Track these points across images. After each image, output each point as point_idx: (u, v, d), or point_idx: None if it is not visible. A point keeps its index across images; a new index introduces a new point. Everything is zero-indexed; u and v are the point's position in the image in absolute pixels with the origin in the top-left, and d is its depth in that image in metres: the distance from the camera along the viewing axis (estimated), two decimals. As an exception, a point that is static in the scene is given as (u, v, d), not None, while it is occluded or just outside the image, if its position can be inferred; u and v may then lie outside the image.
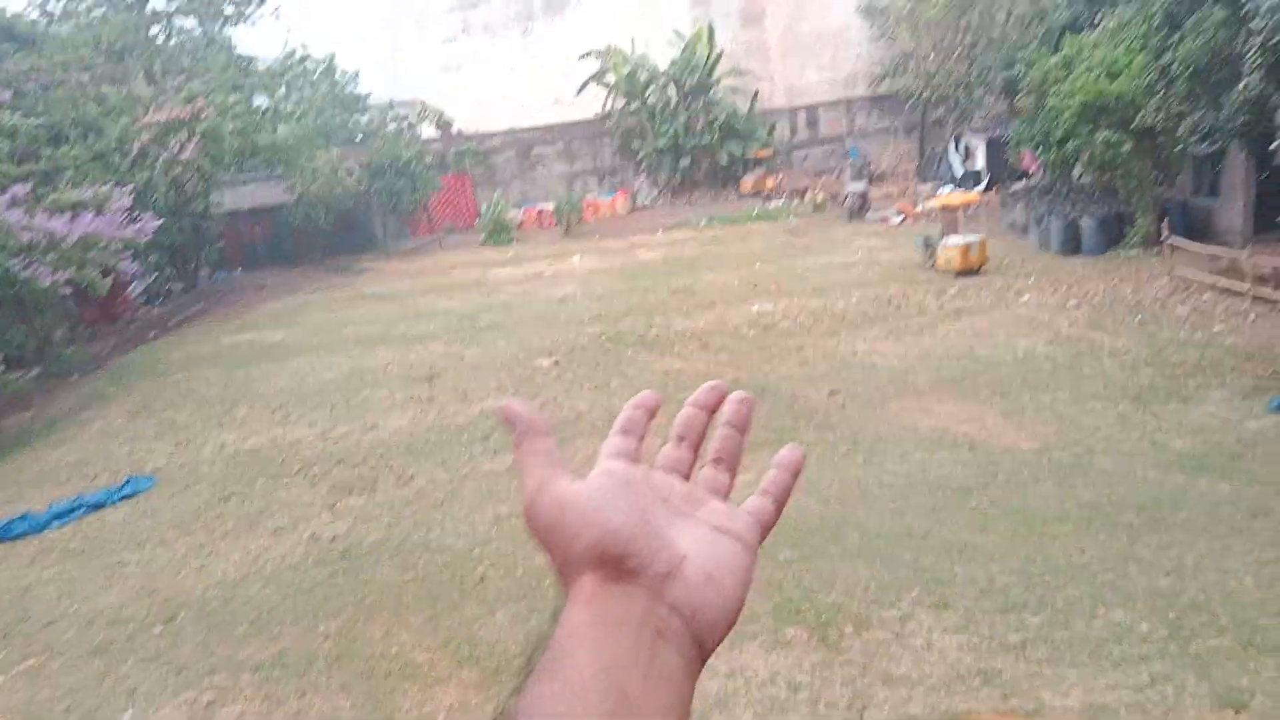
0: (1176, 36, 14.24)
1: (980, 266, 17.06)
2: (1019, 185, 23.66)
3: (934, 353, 12.78)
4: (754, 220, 27.70)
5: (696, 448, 0.73)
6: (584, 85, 34.42)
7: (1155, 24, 15.30)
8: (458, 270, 25.31)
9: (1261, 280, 13.10)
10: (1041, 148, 19.21)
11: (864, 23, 33.87)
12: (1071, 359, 11.81)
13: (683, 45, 33.47)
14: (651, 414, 0.74)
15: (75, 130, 19.12)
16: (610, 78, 34.30)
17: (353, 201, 29.15)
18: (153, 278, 22.98)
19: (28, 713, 6.45)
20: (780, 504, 0.72)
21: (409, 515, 9.08)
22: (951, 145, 29.61)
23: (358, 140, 33.53)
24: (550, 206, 32.23)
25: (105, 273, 16.88)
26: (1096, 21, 19.27)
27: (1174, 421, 9.57)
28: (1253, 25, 11.30)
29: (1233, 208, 16.75)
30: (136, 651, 7.03)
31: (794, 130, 36.03)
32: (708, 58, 33.17)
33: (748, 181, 32.93)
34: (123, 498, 10.28)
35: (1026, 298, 15.08)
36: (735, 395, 0.76)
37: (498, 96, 39.16)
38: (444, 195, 33.59)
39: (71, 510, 9.94)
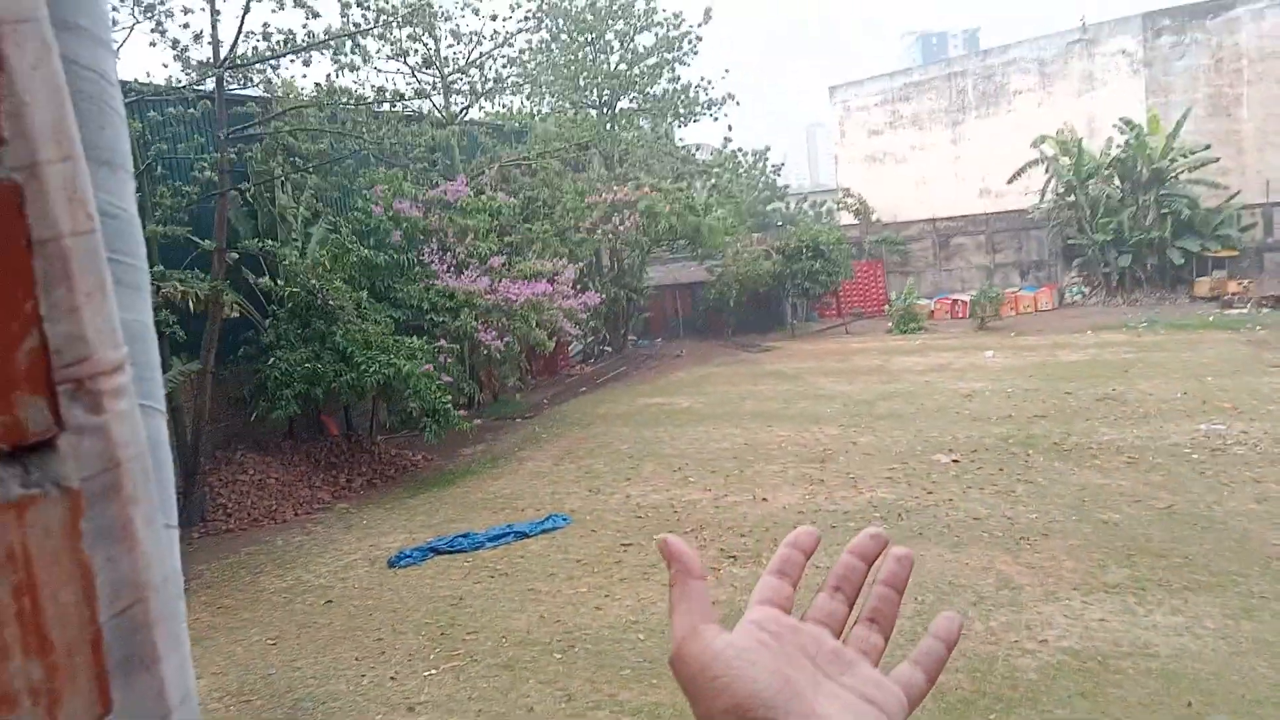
0: None
1: None
2: None
3: None
4: (1208, 328, 24.26)
5: (852, 601, 0.70)
6: (1016, 174, 32.91)
7: None
8: (860, 356, 25.25)
9: None
10: None
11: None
12: None
13: (1133, 133, 30.69)
14: (808, 555, 0.72)
15: (543, 209, 22.34)
16: (1046, 167, 32.45)
17: (767, 283, 30.53)
18: (589, 340, 25.89)
19: (447, 705, 7.43)
20: (932, 678, 0.66)
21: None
22: None
23: (778, 225, 35.17)
24: (965, 298, 31.03)
25: (550, 335, 19.36)
26: None
27: None
28: None
29: None
30: (537, 673, 7.80)
31: (1268, 230, 31.16)
32: (1164, 146, 30.05)
33: (1204, 284, 29.00)
34: (543, 531, 11.57)
35: None
36: (896, 552, 0.71)
37: (921, 186, 38.96)
38: (855, 281, 33.88)
39: (502, 535, 11.39)
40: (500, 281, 17.96)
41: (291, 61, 15.56)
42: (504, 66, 23.91)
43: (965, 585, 9.14)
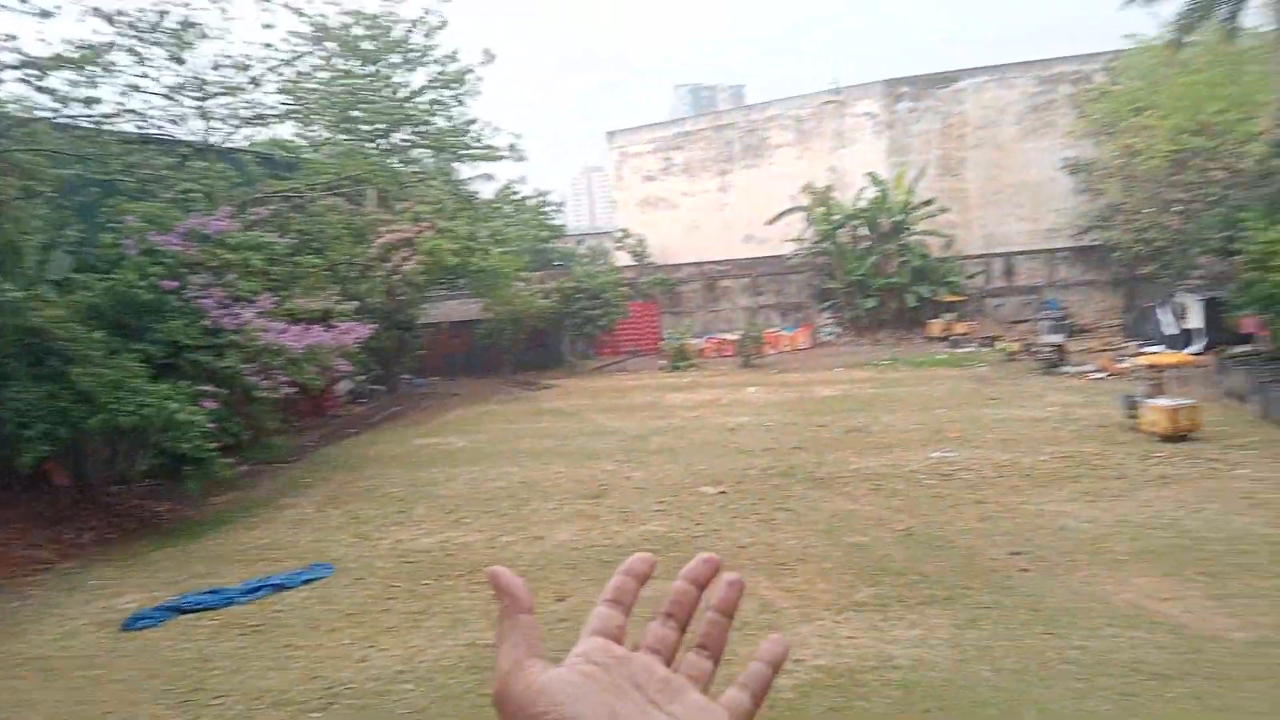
0: None
1: (1191, 432, 15.70)
2: (1240, 349, 21.85)
3: (1132, 520, 11.74)
4: (940, 365, 26.91)
5: (684, 627, 0.72)
6: (775, 218, 35.24)
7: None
8: (636, 393, 25.88)
9: None
10: (1266, 314, 17.77)
11: (1067, 175, 33.09)
12: (1297, 544, 10.53)
13: (878, 189, 33.80)
14: (643, 581, 0.73)
15: (313, 245, 21.33)
16: (803, 216, 35.00)
17: (545, 321, 30.72)
18: (359, 379, 24.87)
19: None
20: (758, 700, 0.70)
21: (559, 632, 9.08)
22: (1163, 302, 27.89)
23: (554, 264, 35.58)
24: (732, 337, 32.68)
25: (321, 373, 18.41)
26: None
27: None
28: None
29: None
30: (292, 733, 7.29)
31: (988, 277, 35.18)
32: (904, 202, 33.30)
33: (936, 325, 32.21)
34: (304, 581, 10.89)
35: (1243, 470, 13.68)
36: (727, 578, 0.76)
37: (692, 230, 40.76)
38: (631, 320, 34.80)
39: (257, 588, 10.61)
40: (270, 321, 16.90)
41: (27, 77, 14.02)
42: (274, 93, 22.74)
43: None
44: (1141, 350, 23.74)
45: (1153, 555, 10.54)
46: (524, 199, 37.80)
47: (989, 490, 13.57)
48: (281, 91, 23.07)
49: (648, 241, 38.96)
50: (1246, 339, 22.66)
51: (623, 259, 39.61)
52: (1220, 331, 23.70)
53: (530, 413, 23.51)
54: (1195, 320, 25.19)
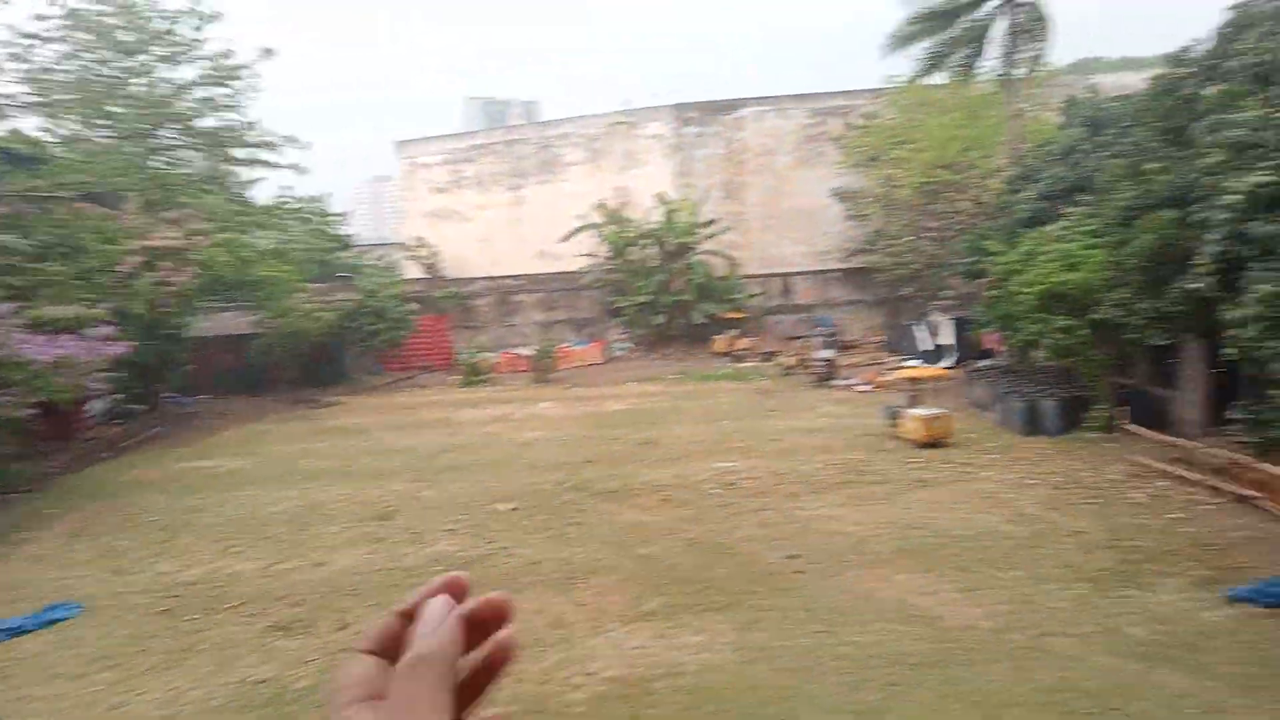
0: (1130, 233, 14.99)
1: (943, 439, 17.24)
2: (983, 364, 24.28)
3: (895, 522, 12.71)
4: (724, 379, 28.08)
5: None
6: (569, 235, 35.55)
7: (1111, 221, 16.15)
8: (426, 409, 25.23)
9: (1215, 472, 13.31)
10: (1004, 331, 19.85)
11: (838, 202, 35.59)
12: (1030, 538, 11.78)
13: (666, 209, 34.87)
14: (439, 592, 0.76)
15: (62, 250, 19.30)
16: (595, 233, 35.50)
17: (328, 336, 29.31)
18: (115, 397, 22.67)
19: None
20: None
21: (343, 661, 8.66)
22: (919, 320, 30.52)
23: (339, 276, 34.09)
24: (526, 352, 32.59)
25: (74, 393, 16.66)
26: (1056, 216, 20.33)
27: (1130, 608, 9.47)
28: (1206, 236, 11.87)
29: (1188, 399, 17.18)
30: (28, 796, 6.50)
31: (768, 296, 37.16)
32: (690, 223, 34.54)
33: (720, 341, 33.57)
34: (44, 625, 9.76)
35: (987, 473, 15.18)
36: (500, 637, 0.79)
37: (485, 244, 40.36)
38: (422, 335, 33.93)
39: (-13, 635, 9.40)
40: (14, 335, 15.07)
41: None
42: (16, 82, 20.36)
43: (523, 629, 9.32)
44: (901, 365, 25.86)
45: (912, 554, 11.45)
46: (305, 207, 36.01)
47: (769, 498, 14.27)
48: (26, 81, 20.75)
49: (440, 254, 38.21)
50: (989, 354, 25.23)
51: (413, 271, 38.56)
52: (968, 347, 26.23)
53: (311, 432, 22.34)
54: (947, 337, 27.74)
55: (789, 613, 9.64)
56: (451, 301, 36.02)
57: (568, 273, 36.59)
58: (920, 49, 28.75)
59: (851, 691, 7.94)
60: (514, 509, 14.07)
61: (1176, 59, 15.03)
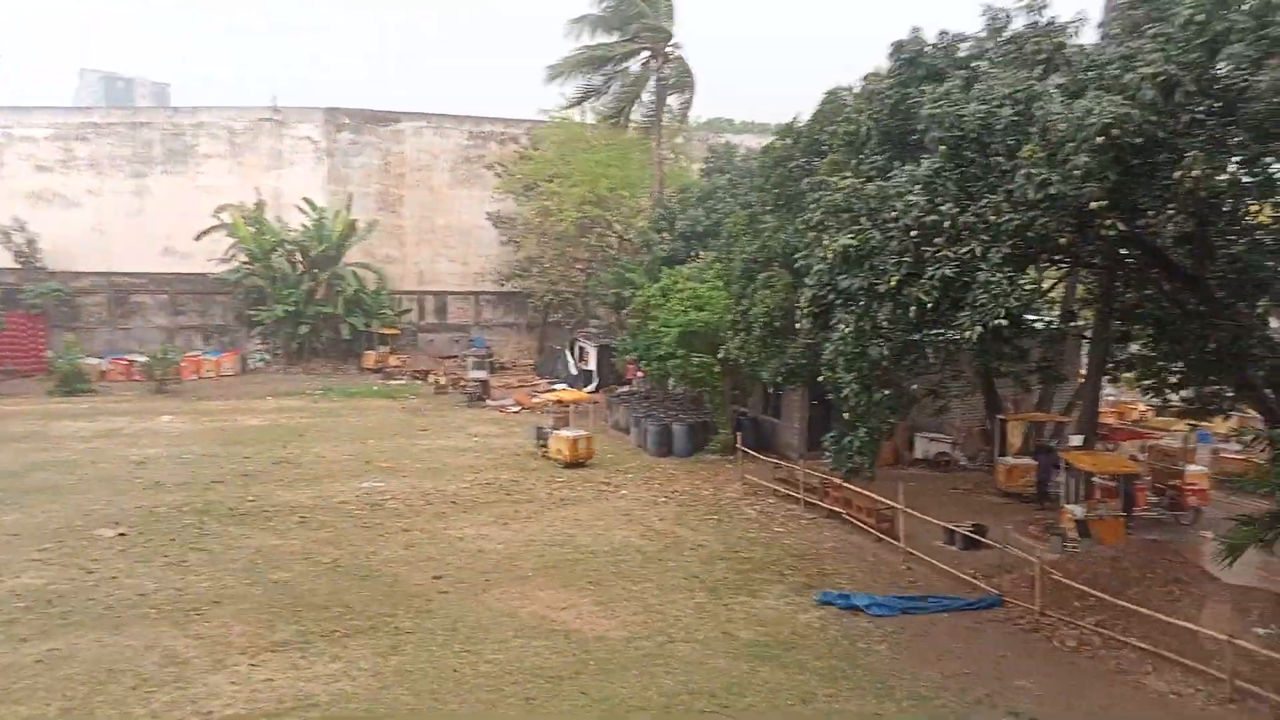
0: (752, 288, 16.77)
1: (587, 459, 18.07)
2: (623, 389, 25.85)
3: (539, 539, 13.08)
4: (374, 396, 27.17)
5: None
6: (204, 233, 32.38)
7: (736, 273, 18.01)
8: (13, 420, 21.67)
9: (810, 490, 15.30)
10: (644, 360, 21.32)
11: (494, 226, 36.14)
12: (659, 551, 12.71)
13: (315, 215, 33.09)
14: None
15: None
16: (232, 235, 32.70)
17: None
18: None
19: None
20: None
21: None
22: (568, 346, 31.79)
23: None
24: (144, 359, 29.12)
25: None
26: (694, 257, 22.29)
27: (743, 613, 10.56)
28: (806, 282, 13.64)
29: (791, 427, 19.60)
30: None
31: (422, 313, 36.61)
32: (340, 231, 33.05)
33: (371, 356, 32.48)
34: None
35: (624, 492, 16.15)
36: None
37: (98, 235, 35.58)
38: (8, 334, 29.10)
39: None
40: None
41: None
42: None
43: (125, 669, 8.38)
44: (550, 388, 26.77)
45: (554, 570, 11.86)
46: None
47: (415, 518, 14.02)
48: None
49: (39, 242, 32.97)
50: (629, 381, 26.93)
51: (2, 259, 32.89)
52: (611, 373, 27.78)
53: None
54: (592, 363, 29.16)
55: (432, 634, 9.54)
56: (51, 298, 31.28)
57: (200, 275, 33.36)
58: (575, 87, 30.28)
59: (491, 708, 8.04)
60: (121, 534, 12.52)
61: (785, 130, 17.19)
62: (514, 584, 11.22)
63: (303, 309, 31.81)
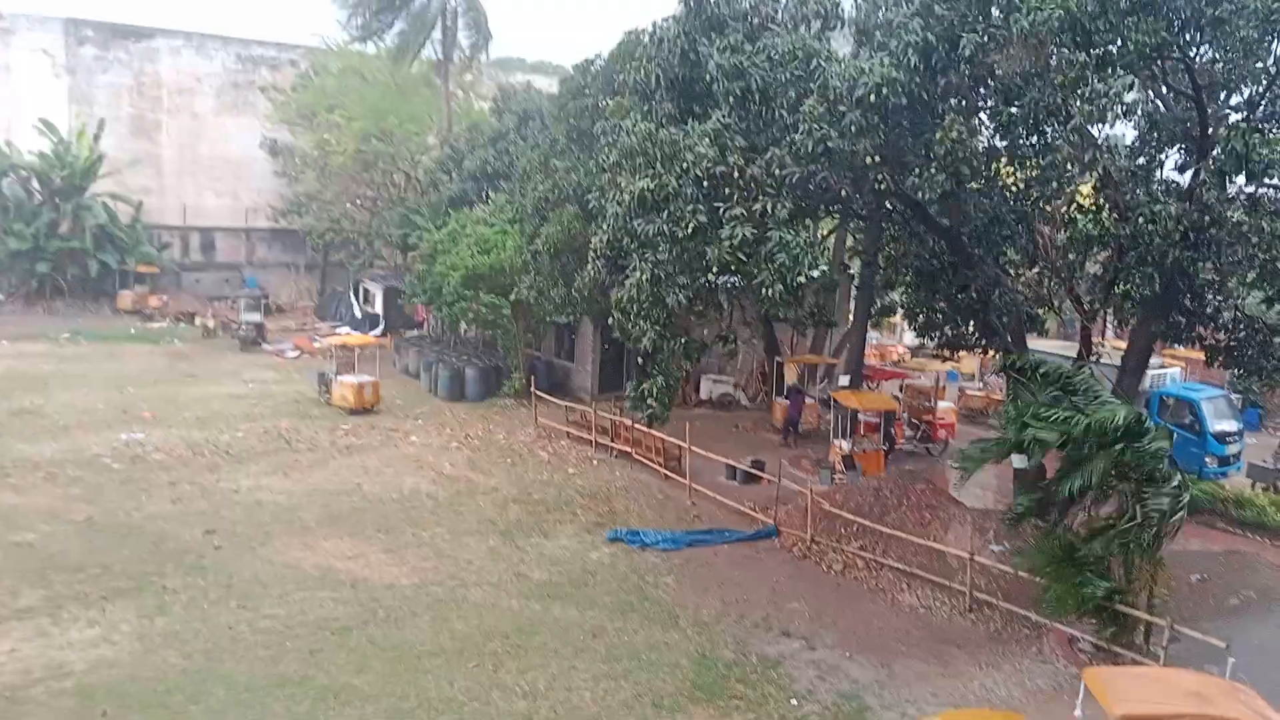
0: (543, 225, 16.67)
1: (374, 406, 17.47)
2: (412, 333, 25.10)
3: (323, 489, 12.58)
4: (132, 340, 24.84)
5: None
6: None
7: (527, 211, 17.80)
8: None
9: (602, 431, 15.58)
10: (433, 304, 20.72)
11: (268, 157, 33.64)
12: (451, 497, 12.57)
13: (55, 140, 29.42)
14: None
15: None
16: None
17: None
18: None
19: None
20: None
21: None
22: (352, 288, 30.39)
23: None
24: None
25: None
26: (483, 198, 21.77)
27: (535, 554, 10.68)
28: (601, 226, 13.69)
29: (584, 370, 19.81)
30: None
31: (186, 251, 33.72)
32: (86, 158, 29.60)
33: (126, 297, 29.56)
34: None
35: (414, 438, 15.78)
36: None
37: None
38: None
39: None
40: None
41: None
42: None
43: None
44: (333, 331, 25.52)
45: (340, 519, 11.44)
46: None
47: (183, 470, 13.06)
48: None
49: None
50: (418, 324, 26.15)
51: None
52: (399, 316, 26.85)
53: None
54: (379, 306, 28.05)
55: (204, 591, 9.01)
56: None
57: (-91, 201, 28.98)
58: (359, 16, 28.57)
59: (272, 664, 7.71)
60: None
61: (582, 69, 17.06)
62: (296, 535, 10.76)
63: (43, 244, 28.46)
